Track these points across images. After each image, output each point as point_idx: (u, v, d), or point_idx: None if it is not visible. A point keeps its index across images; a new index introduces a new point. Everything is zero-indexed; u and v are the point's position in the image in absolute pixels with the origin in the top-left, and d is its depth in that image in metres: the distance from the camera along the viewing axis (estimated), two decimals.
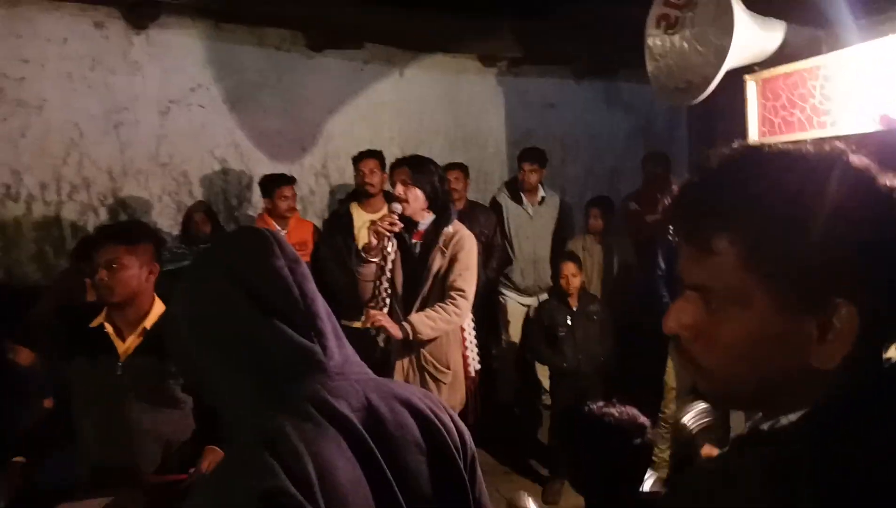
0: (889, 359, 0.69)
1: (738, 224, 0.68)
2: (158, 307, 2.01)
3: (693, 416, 1.69)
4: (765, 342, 0.68)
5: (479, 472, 1.10)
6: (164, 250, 4.18)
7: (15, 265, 3.95)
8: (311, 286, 1.04)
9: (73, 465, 1.94)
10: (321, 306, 1.03)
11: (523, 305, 4.47)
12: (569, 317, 3.76)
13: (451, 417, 1.09)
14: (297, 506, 0.81)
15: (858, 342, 0.65)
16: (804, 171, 0.67)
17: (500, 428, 4.24)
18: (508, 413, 4.50)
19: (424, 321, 2.68)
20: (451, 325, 2.77)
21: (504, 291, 4.55)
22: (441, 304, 2.76)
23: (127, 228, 2.09)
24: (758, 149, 0.72)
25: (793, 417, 0.67)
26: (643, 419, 1.57)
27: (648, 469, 1.58)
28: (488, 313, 4.47)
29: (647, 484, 1.57)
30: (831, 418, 0.64)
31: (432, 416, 1.04)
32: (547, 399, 4.05)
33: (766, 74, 2.82)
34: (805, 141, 0.74)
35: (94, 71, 4.17)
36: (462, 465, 1.04)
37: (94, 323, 1.97)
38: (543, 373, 4.04)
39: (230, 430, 0.97)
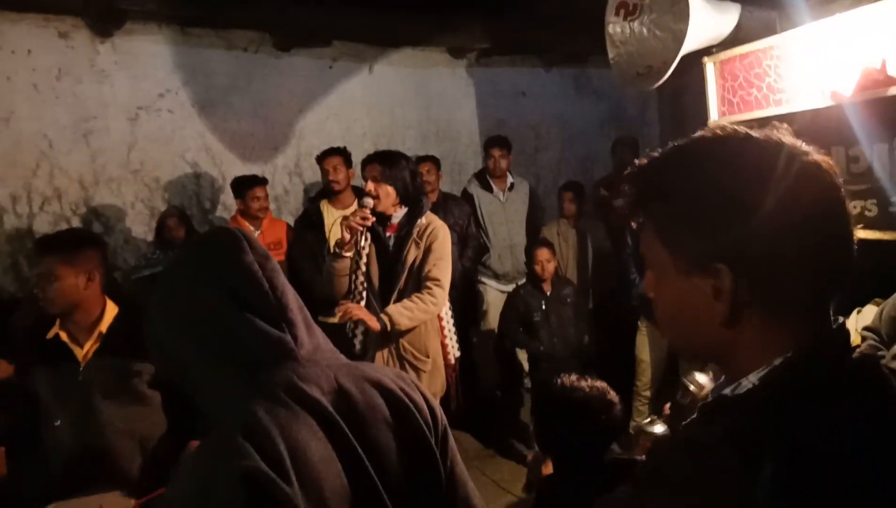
0: (837, 321, 0.75)
1: (651, 205, 0.81)
2: (111, 310, 2.05)
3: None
4: (681, 303, 0.79)
5: (452, 445, 1.15)
6: (140, 256, 4.21)
7: None
8: (281, 279, 1.08)
9: (46, 474, 1.96)
10: (291, 297, 1.08)
11: (503, 292, 4.52)
12: (543, 302, 3.83)
13: (422, 395, 1.14)
14: (270, 484, 0.85)
15: (754, 303, 0.73)
16: (685, 155, 0.78)
17: (483, 413, 4.32)
18: (491, 398, 4.57)
19: (402, 312, 2.72)
20: (427, 314, 2.82)
21: (483, 279, 4.61)
22: (418, 295, 2.80)
23: (63, 238, 2.04)
24: (675, 143, 0.82)
25: (753, 378, 0.73)
26: (612, 395, 1.63)
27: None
28: (468, 302, 4.53)
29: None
30: (784, 386, 0.70)
31: (402, 395, 1.09)
32: (528, 383, 4.13)
33: (724, 55, 2.89)
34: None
35: (61, 81, 4.14)
36: (433, 440, 1.10)
37: (50, 334, 2.00)
38: (524, 357, 4.10)
39: (208, 419, 1.02)
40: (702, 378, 1.77)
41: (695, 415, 0.79)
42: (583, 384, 1.63)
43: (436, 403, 1.16)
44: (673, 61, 2.68)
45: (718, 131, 0.79)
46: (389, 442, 1.04)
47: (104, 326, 2.01)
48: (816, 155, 0.75)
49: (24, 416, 2.00)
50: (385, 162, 2.85)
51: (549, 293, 3.84)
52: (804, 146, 0.76)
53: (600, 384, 1.66)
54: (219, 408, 1.00)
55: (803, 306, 0.73)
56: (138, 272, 3.85)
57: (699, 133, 0.81)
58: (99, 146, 4.24)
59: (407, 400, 1.09)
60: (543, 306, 3.81)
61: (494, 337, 4.49)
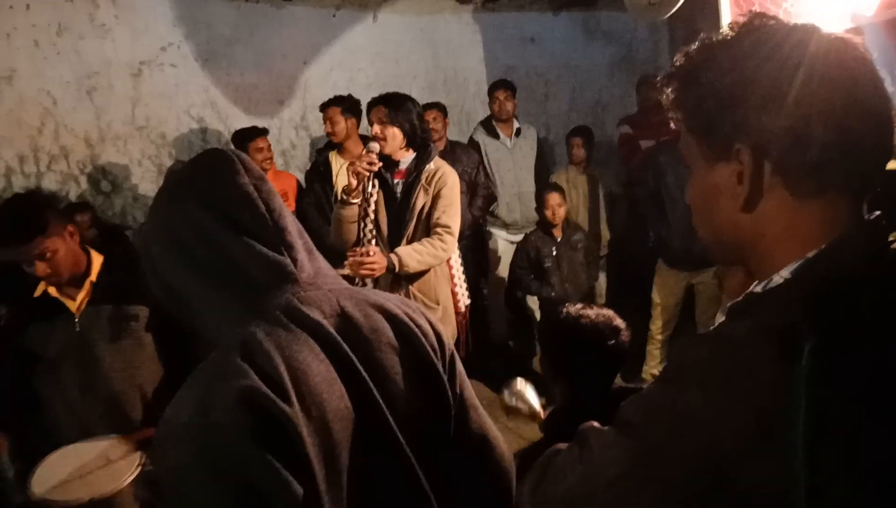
0: (872, 217, 0.72)
1: (683, 96, 0.78)
2: (97, 259, 2.02)
3: (510, 393, 1.64)
4: (706, 193, 0.78)
5: (461, 371, 1.13)
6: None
7: None
8: (278, 202, 1.05)
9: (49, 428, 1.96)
10: (290, 221, 1.05)
11: (512, 243, 4.49)
12: (554, 248, 3.79)
13: (427, 320, 1.11)
14: (269, 404, 0.84)
15: (779, 187, 0.71)
16: (714, 45, 0.77)
17: (496, 362, 4.32)
18: (503, 348, 4.57)
19: (411, 254, 2.69)
20: (437, 260, 2.79)
21: (492, 229, 4.56)
22: (428, 239, 2.77)
23: (28, 219, 1.86)
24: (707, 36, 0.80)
25: (785, 272, 0.70)
26: (619, 322, 1.60)
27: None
28: (477, 252, 4.50)
29: None
30: (819, 276, 0.67)
31: (406, 319, 1.06)
32: None
33: None
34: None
35: (62, 37, 4.08)
36: (440, 365, 1.08)
37: (38, 292, 1.97)
38: (534, 305, 4.09)
39: (207, 348, 1.00)
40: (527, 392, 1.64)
41: (724, 319, 0.77)
42: (589, 311, 1.60)
43: (441, 328, 1.13)
44: None
45: (749, 20, 0.77)
46: (395, 366, 1.02)
47: (94, 275, 1.99)
48: (845, 35, 0.72)
49: (21, 375, 1.98)
50: (390, 104, 2.78)
51: (559, 239, 3.80)
52: (832, 30, 0.73)
53: (607, 311, 1.63)
54: (218, 334, 0.98)
55: (836, 192, 0.70)
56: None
57: (731, 24, 0.79)
58: (103, 103, 4.21)
59: (412, 324, 1.06)
60: (554, 252, 3.78)
61: (504, 286, 4.48)
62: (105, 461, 1.72)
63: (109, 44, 4.21)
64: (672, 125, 0.83)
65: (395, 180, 2.88)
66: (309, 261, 1.05)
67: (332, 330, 0.97)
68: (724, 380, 0.65)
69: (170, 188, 1.07)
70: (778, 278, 0.71)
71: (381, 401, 0.97)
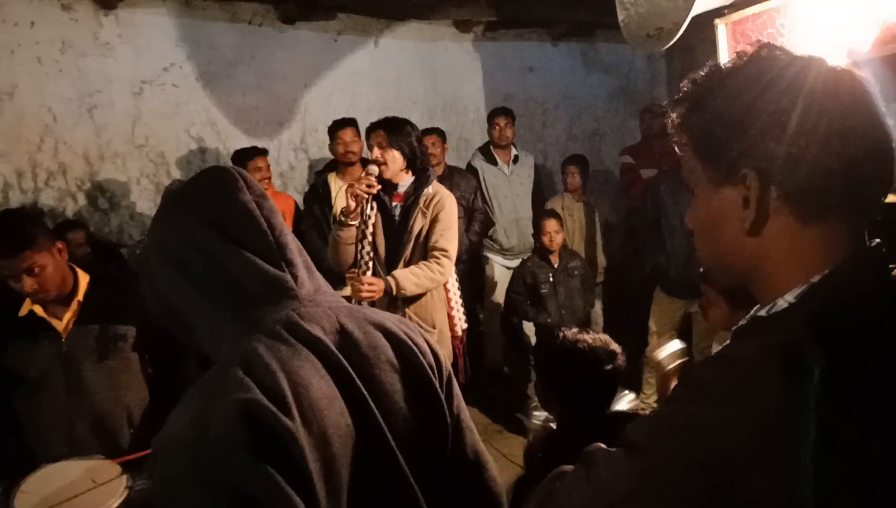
0: (874, 241, 0.74)
1: (689, 120, 0.80)
2: (83, 278, 2.00)
3: (669, 354, 1.73)
4: (711, 216, 0.78)
5: (457, 392, 1.13)
6: (146, 232, 4.18)
7: None
8: (279, 219, 1.05)
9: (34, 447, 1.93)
10: (290, 238, 1.05)
11: (508, 268, 4.49)
12: (551, 274, 3.79)
13: (425, 340, 1.11)
14: (271, 418, 0.83)
15: (784, 211, 0.72)
16: (721, 72, 0.79)
17: (492, 388, 4.29)
18: (499, 373, 4.55)
19: (408, 277, 2.69)
20: (434, 283, 2.78)
21: (489, 254, 4.57)
22: (425, 262, 2.77)
23: (16, 232, 1.85)
24: (713, 64, 0.83)
25: (790, 297, 0.71)
26: (615, 347, 1.61)
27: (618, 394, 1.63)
28: (474, 277, 4.50)
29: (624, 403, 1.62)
30: (824, 300, 0.69)
31: (405, 337, 1.06)
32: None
33: (736, 16, 2.82)
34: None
35: (65, 54, 4.10)
36: (437, 384, 1.07)
37: (23, 311, 1.95)
38: (530, 331, 4.07)
39: (203, 366, 0.99)
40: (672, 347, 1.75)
41: (728, 342, 0.77)
42: (586, 336, 1.61)
43: (440, 349, 1.13)
44: (684, 22, 2.62)
45: (757, 50, 0.78)
46: (394, 384, 1.02)
47: (80, 295, 1.97)
48: (848, 67, 0.75)
49: (5, 393, 1.94)
50: (390, 128, 2.80)
51: (556, 265, 3.80)
52: (836, 63, 0.76)
53: (603, 336, 1.64)
54: (216, 349, 0.97)
55: (839, 217, 0.72)
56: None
57: (739, 52, 0.80)
58: (103, 121, 4.22)
59: (410, 343, 1.06)
60: (551, 278, 3.78)
61: (500, 312, 4.46)
62: (90, 482, 1.67)
63: (112, 62, 4.24)
64: (677, 149, 0.84)
65: (394, 203, 2.89)
66: (309, 278, 1.05)
67: (332, 346, 0.96)
68: (731, 396, 0.65)
69: (172, 203, 1.07)
70: (783, 303, 0.72)
71: (379, 418, 0.97)
